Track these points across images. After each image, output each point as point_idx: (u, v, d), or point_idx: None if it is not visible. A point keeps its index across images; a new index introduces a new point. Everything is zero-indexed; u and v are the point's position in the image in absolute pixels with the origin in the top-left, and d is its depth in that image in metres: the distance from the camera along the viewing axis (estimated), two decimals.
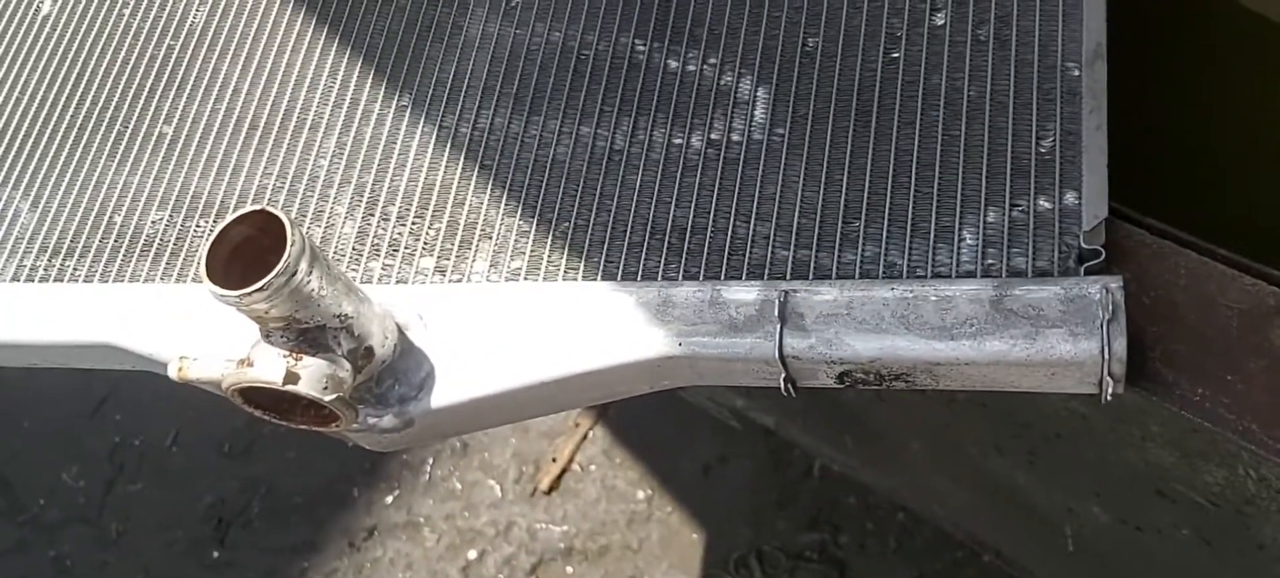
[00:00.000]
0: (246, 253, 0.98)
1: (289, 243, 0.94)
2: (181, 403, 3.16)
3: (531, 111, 1.24)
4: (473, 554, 2.94)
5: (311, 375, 0.98)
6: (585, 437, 3.09)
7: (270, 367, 0.98)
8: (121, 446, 3.23)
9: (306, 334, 0.99)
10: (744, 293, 1.02)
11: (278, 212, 0.96)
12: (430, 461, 3.12)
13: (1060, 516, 1.82)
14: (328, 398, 0.98)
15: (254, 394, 1.02)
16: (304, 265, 0.95)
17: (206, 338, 1.18)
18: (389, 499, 3.04)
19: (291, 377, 0.97)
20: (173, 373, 1.05)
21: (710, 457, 2.91)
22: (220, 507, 3.11)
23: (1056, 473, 1.69)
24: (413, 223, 1.21)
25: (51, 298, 1.27)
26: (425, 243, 1.19)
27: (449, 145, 1.25)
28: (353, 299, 1.02)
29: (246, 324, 1.09)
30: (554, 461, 3.05)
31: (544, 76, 1.26)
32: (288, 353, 0.99)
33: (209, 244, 0.96)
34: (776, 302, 0.99)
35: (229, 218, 0.97)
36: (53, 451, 3.25)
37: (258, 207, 0.97)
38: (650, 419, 3.03)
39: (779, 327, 0.97)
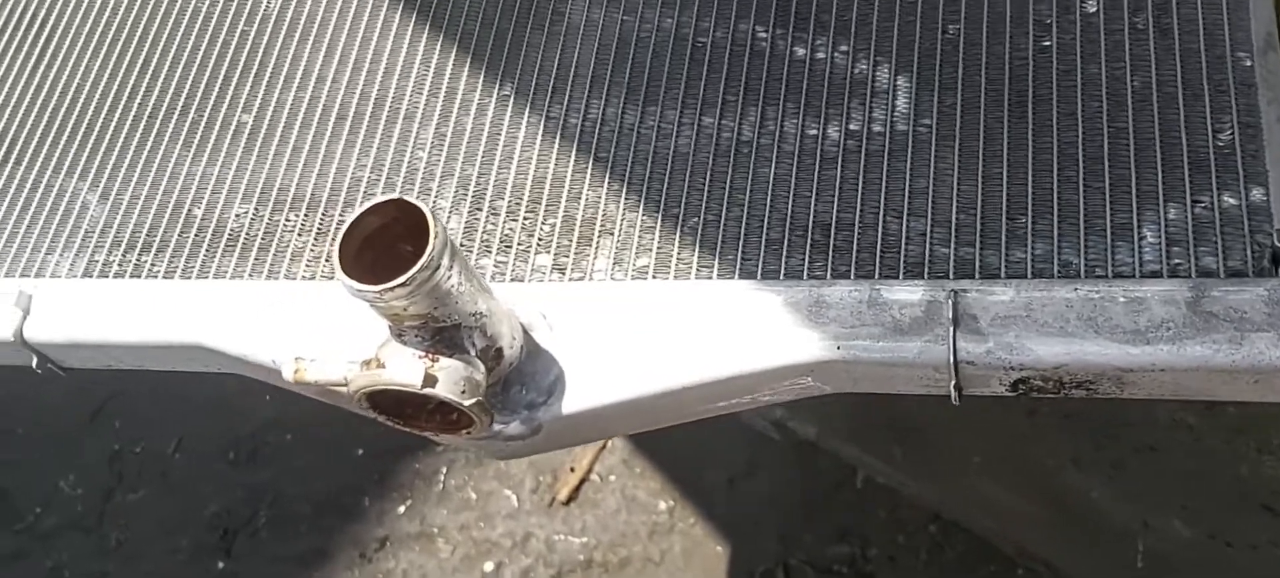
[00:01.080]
0: (375, 246, 0.91)
1: (431, 235, 0.87)
2: (184, 408, 3.06)
3: (647, 101, 1.18)
4: (489, 566, 2.86)
5: (449, 378, 0.91)
6: (604, 445, 3.01)
7: (406, 368, 0.91)
8: (121, 453, 3.12)
9: (442, 333, 0.92)
10: (907, 293, 0.96)
11: (417, 202, 0.89)
12: (444, 469, 3.03)
13: (1135, 530, 1.78)
14: (466, 402, 0.91)
15: (380, 398, 0.95)
16: (445, 259, 0.88)
17: (305, 336, 1.10)
18: (401, 509, 2.95)
19: (429, 379, 0.90)
20: (288, 376, 0.97)
21: (736, 467, 2.84)
22: (225, 516, 3.01)
23: (1140, 486, 1.65)
24: (525, 218, 1.14)
25: (131, 295, 1.19)
26: (540, 239, 1.12)
27: (559, 137, 1.18)
28: (485, 297, 0.95)
29: (347, 322, 1.03)
30: (572, 470, 2.97)
31: (658, 65, 1.20)
32: (423, 353, 0.92)
33: (340, 238, 0.89)
34: (946, 302, 0.93)
35: (360, 209, 0.90)
36: (50, 458, 3.14)
37: (391, 196, 0.90)
38: (673, 430, 2.95)
39: (951, 330, 0.92)
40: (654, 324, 1.02)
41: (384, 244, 0.91)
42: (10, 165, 1.35)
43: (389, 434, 2.95)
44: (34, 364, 1.22)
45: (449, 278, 0.89)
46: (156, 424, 3.11)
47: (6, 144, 1.37)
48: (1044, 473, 1.85)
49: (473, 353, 0.94)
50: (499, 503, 2.93)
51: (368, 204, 0.90)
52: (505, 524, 2.89)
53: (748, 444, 2.79)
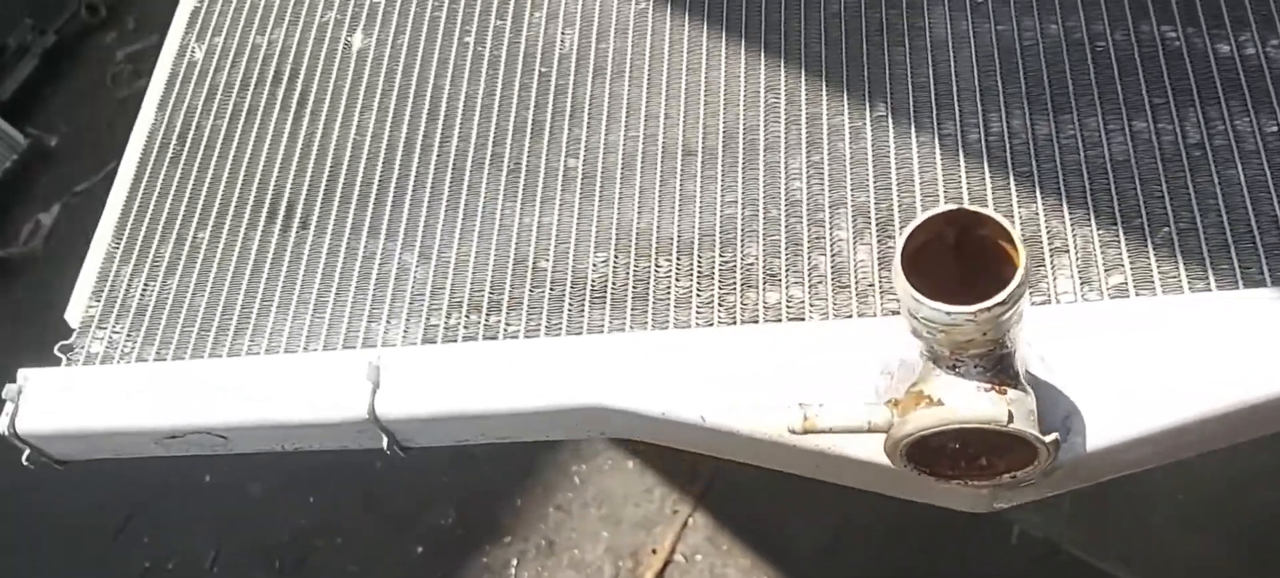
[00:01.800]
0: (917, 268, 0.80)
1: (1020, 250, 0.76)
2: (213, 518, 2.78)
3: (1057, 110, 1.08)
4: None
5: (1021, 411, 0.80)
6: (686, 523, 2.85)
7: (983, 403, 0.79)
8: (152, 570, 2.85)
9: (1001, 362, 0.81)
10: None
11: (991, 214, 0.78)
12: (514, 563, 2.84)
13: None
14: (1047, 438, 0.80)
15: (923, 445, 0.83)
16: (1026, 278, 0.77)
17: (722, 386, 0.98)
18: None
19: (1009, 414, 0.79)
20: (794, 425, 0.85)
21: (827, 534, 2.66)
22: None
23: None
24: None
25: (492, 358, 1.06)
26: None
27: (961, 153, 1.08)
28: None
29: (763, 369, 0.94)
30: (654, 552, 2.77)
31: (1057, 72, 1.10)
32: (988, 385, 0.80)
33: (899, 260, 0.78)
34: None
35: (913, 224, 0.79)
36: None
37: (953, 206, 0.79)
38: (756, 496, 2.80)
39: None
40: (1166, 344, 0.92)
41: (926, 263, 0.80)
42: (295, 228, 1.21)
43: (447, 530, 2.71)
44: (384, 445, 1.08)
45: (1025, 300, 0.78)
46: (189, 535, 2.84)
47: (285, 206, 1.23)
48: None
49: (1021, 382, 0.82)
50: None
51: (920, 218, 0.79)
52: None
53: (836, 508, 2.61)
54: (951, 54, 1.15)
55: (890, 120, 1.12)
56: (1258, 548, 2.17)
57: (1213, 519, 2.20)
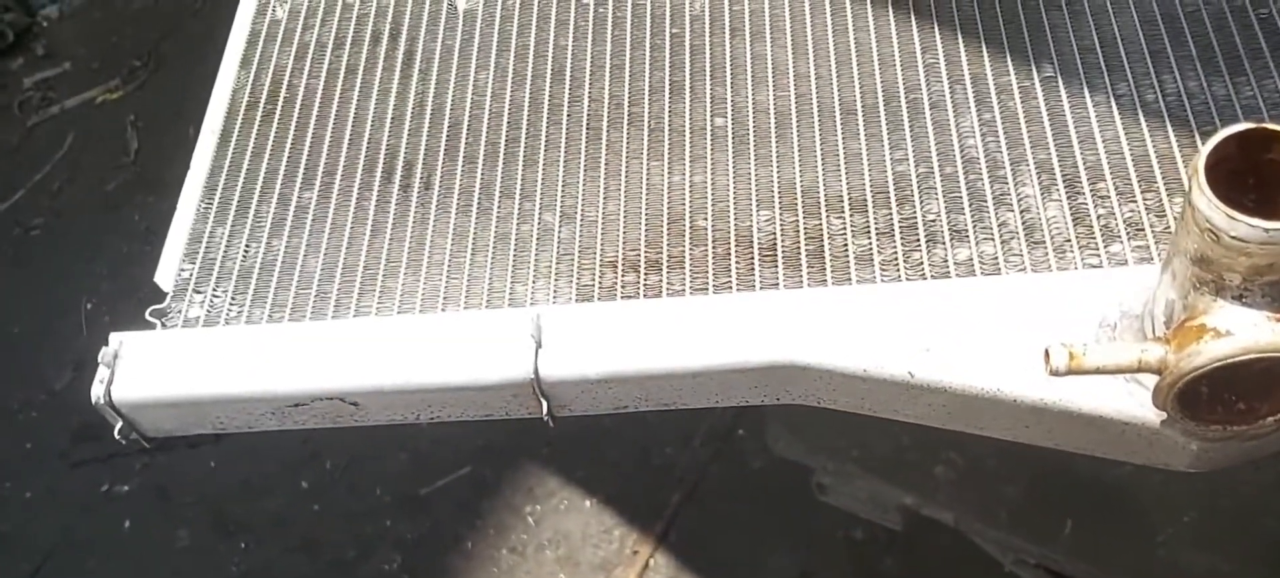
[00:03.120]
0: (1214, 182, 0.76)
1: None
2: (141, 567, 2.52)
3: (1232, 72, 1.06)
4: None
5: None
6: (647, 565, 2.75)
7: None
8: None
9: None
10: None
11: None
12: None
13: None
14: None
15: (1200, 384, 0.78)
16: None
17: (925, 339, 0.93)
18: None
19: None
20: (1059, 363, 0.79)
21: (791, 574, 2.59)
22: None
23: None
24: (1145, 199, 1.00)
25: (660, 316, 0.98)
26: (1176, 218, 0.98)
27: (1140, 112, 1.05)
28: None
29: (967, 321, 0.90)
30: None
31: (1224, 36, 1.08)
32: (1276, 315, 0.76)
33: (1203, 172, 0.74)
34: None
35: (1211, 144, 0.75)
36: None
37: (1250, 125, 0.75)
38: (718, 539, 2.71)
39: None
40: None
41: (1219, 180, 0.76)
42: (417, 188, 1.13)
43: (393, 574, 2.54)
44: (543, 412, 0.99)
45: None
46: None
47: (402, 166, 1.15)
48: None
49: None
50: None
51: (1211, 142, 0.75)
52: None
53: (801, 544, 2.54)
54: (1113, 18, 1.12)
55: (1060, 80, 1.09)
56: (1275, 563, 2.17)
57: (1224, 537, 2.19)
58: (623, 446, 2.61)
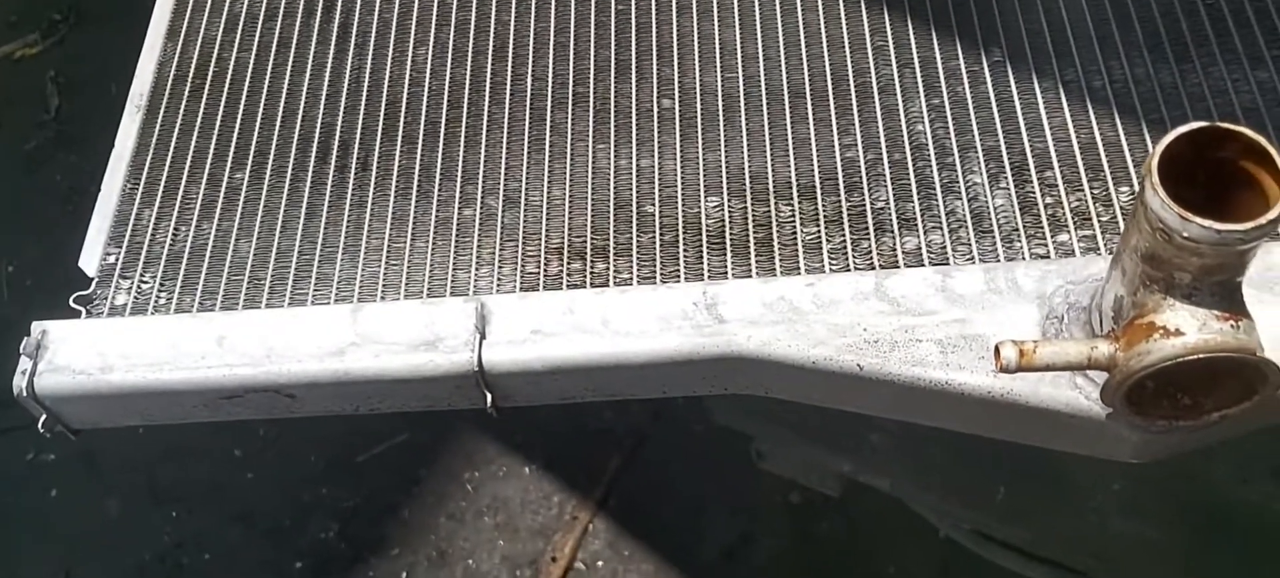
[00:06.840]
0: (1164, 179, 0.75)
1: None
2: (69, 538, 2.41)
3: (1178, 60, 1.06)
4: None
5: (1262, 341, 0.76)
6: (586, 530, 2.74)
7: (1226, 332, 0.75)
8: None
9: (1235, 292, 0.77)
10: None
11: (1243, 131, 0.74)
12: (403, 576, 2.66)
13: None
14: None
15: (1146, 382, 0.78)
16: None
17: (871, 332, 0.92)
18: None
19: (1258, 343, 0.75)
20: (1010, 360, 0.79)
21: (730, 538, 2.59)
22: None
23: None
24: (1092, 188, 1.00)
25: (605, 307, 0.96)
26: (1123, 209, 0.98)
27: (1088, 99, 1.05)
28: None
29: (923, 312, 0.89)
30: (554, 560, 2.63)
31: (1170, 22, 1.08)
32: (1225, 314, 0.76)
33: (1156, 171, 0.73)
34: None
35: (1164, 141, 0.74)
36: None
37: (1202, 124, 0.75)
38: (658, 504, 2.70)
39: None
40: None
41: (1172, 178, 0.75)
42: (354, 169, 1.09)
43: (328, 544, 2.49)
44: (487, 404, 0.97)
45: None
46: (31, 564, 2.56)
47: (338, 145, 1.11)
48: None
49: (1248, 312, 0.79)
50: None
51: (1164, 140, 0.74)
52: None
53: (739, 513, 2.55)
54: (1062, 3, 1.12)
55: (1008, 65, 1.08)
56: (1200, 528, 2.21)
57: (1151, 504, 2.23)
58: (562, 411, 2.59)
